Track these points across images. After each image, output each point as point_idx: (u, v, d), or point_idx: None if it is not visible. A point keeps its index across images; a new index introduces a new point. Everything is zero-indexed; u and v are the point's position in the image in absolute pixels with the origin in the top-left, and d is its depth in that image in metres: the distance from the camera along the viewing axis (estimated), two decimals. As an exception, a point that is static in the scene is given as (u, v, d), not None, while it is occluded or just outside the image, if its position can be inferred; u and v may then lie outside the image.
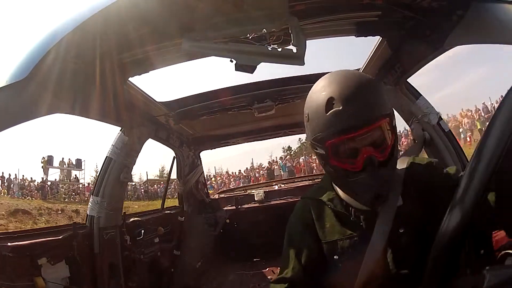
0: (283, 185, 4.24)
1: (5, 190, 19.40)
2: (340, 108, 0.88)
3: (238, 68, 1.42)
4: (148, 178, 30.14)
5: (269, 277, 3.40)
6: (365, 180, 0.91)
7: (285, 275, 1.08)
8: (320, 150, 0.96)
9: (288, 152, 34.78)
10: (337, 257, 1.04)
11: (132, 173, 2.47)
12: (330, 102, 0.90)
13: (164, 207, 3.46)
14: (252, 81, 2.53)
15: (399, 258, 0.96)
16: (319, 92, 0.95)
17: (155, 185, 27.32)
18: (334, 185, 1.10)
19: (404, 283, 0.93)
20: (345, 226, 1.05)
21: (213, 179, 23.93)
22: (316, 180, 4.18)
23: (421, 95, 2.08)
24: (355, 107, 0.88)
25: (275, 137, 4.11)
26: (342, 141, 0.91)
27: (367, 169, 0.90)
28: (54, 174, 22.43)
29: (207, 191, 4.30)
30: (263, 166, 24.15)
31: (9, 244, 1.72)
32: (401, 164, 1.08)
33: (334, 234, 1.06)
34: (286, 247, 1.14)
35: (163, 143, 3.13)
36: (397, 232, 0.98)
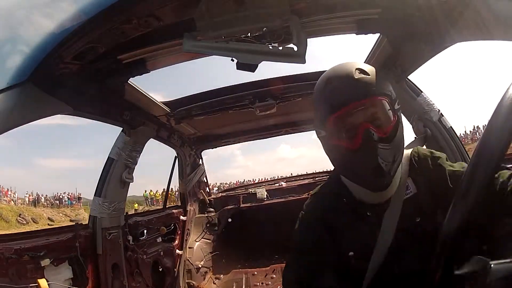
0: (284, 184, 4.24)
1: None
2: (335, 84, 0.94)
3: (240, 66, 1.42)
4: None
5: (272, 275, 3.40)
6: (365, 155, 0.91)
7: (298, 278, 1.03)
8: (323, 132, 1.00)
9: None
10: (352, 253, 1.01)
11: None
12: (327, 82, 0.97)
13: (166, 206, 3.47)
14: (253, 80, 2.54)
15: (416, 249, 0.93)
16: (320, 79, 1.01)
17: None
18: (343, 179, 1.09)
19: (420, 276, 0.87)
20: (356, 220, 1.02)
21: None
22: (317, 179, 4.19)
23: (422, 92, 2.08)
24: (348, 83, 0.93)
25: (277, 136, 4.11)
26: (340, 117, 0.93)
27: (366, 144, 0.90)
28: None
29: (209, 190, 4.30)
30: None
31: (12, 245, 1.72)
32: (406, 155, 1.07)
33: (347, 229, 1.02)
34: (298, 245, 1.09)
35: (164, 143, 3.13)
36: (414, 221, 0.97)
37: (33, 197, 32.85)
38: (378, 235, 0.98)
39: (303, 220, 1.11)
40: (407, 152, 1.09)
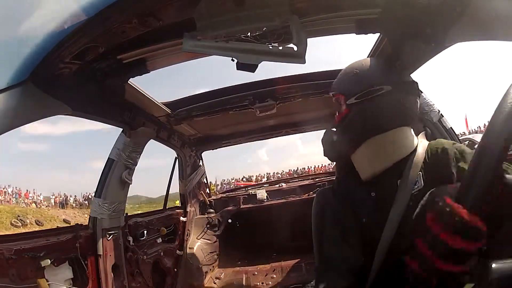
0: (284, 185, 4.24)
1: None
2: None
3: (240, 67, 1.42)
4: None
5: (272, 275, 3.40)
6: None
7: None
8: None
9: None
10: (364, 219, 1.07)
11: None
12: None
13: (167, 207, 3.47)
14: (253, 80, 2.54)
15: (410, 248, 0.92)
16: None
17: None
18: None
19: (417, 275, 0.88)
20: (365, 199, 1.09)
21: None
22: (316, 179, 4.18)
23: (422, 92, 2.08)
24: None
25: (277, 136, 4.10)
26: None
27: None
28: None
29: (209, 191, 4.31)
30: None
31: (12, 246, 1.72)
32: (422, 147, 1.07)
33: (357, 208, 1.10)
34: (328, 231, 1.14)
35: (164, 144, 3.13)
36: (411, 220, 0.92)
37: (60, 198, 31.90)
38: (382, 221, 0.98)
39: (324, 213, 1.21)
40: (423, 144, 1.08)
